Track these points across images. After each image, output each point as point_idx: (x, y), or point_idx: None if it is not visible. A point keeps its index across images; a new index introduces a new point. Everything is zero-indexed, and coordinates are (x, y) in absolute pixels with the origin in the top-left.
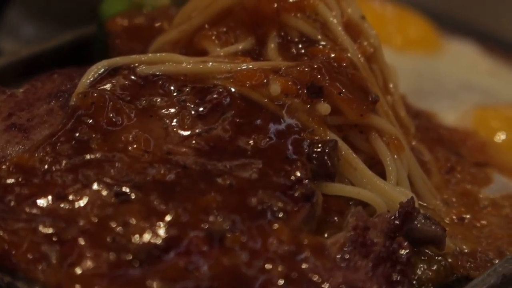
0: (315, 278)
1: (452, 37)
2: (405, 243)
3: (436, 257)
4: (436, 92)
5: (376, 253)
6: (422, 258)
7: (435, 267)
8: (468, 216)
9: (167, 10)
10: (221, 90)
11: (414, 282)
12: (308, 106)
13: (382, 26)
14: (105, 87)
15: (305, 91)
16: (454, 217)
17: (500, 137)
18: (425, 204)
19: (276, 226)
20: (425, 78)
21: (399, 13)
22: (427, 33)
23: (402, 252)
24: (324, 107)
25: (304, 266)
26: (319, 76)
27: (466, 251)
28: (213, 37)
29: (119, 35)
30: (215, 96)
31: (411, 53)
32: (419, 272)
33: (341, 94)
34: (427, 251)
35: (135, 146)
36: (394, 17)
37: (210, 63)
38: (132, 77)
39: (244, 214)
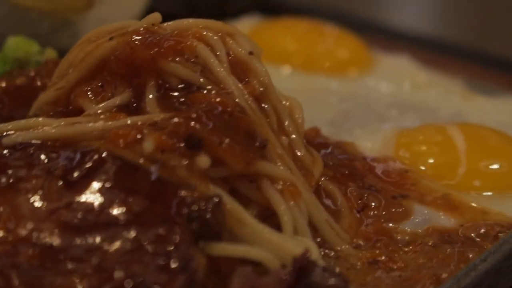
0: None
1: (386, 54)
2: None
3: None
4: (362, 117)
5: None
6: None
7: None
8: (383, 258)
9: (52, 65)
10: (91, 153)
11: None
12: (187, 161)
13: (313, 48)
14: None
15: (183, 145)
16: (366, 261)
17: (423, 162)
18: (333, 251)
19: None
20: (353, 101)
21: (330, 34)
22: (357, 53)
23: None
24: (203, 161)
25: None
26: (197, 127)
27: None
28: (89, 93)
29: (1, 98)
30: (85, 160)
31: (342, 75)
32: None
33: (222, 144)
34: None
35: None
36: (325, 38)
37: (81, 124)
38: None
39: None
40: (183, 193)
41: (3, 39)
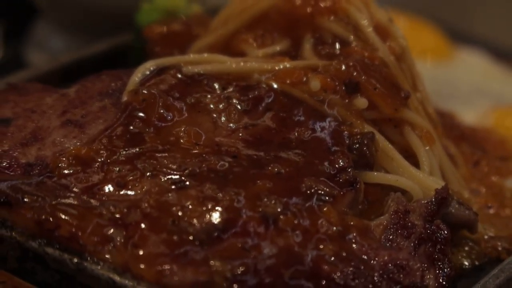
0: (364, 256)
1: (463, 46)
2: (443, 225)
3: (469, 241)
4: (453, 96)
5: (417, 234)
6: (458, 241)
7: (467, 250)
8: (495, 205)
9: (202, 17)
10: (264, 87)
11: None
12: (346, 101)
13: None
14: (154, 85)
15: (343, 88)
16: (481, 205)
17: None
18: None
19: (325, 208)
20: (441, 83)
21: (412, 24)
22: (439, 43)
23: (441, 233)
24: (361, 102)
25: (352, 245)
26: (355, 73)
27: (496, 235)
28: (251, 40)
29: (158, 41)
30: (258, 92)
31: (424, 61)
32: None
33: (376, 90)
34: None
35: (186, 139)
36: (408, 27)
37: (252, 63)
38: (179, 76)
39: (294, 198)
40: (343, 127)
41: None
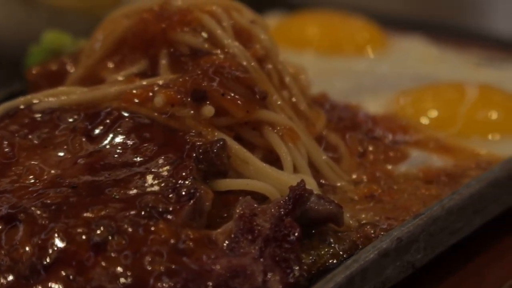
0: (199, 268)
1: (400, 34)
2: (293, 223)
3: (339, 233)
4: (375, 87)
5: (263, 237)
6: (324, 236)
7: (335, 243)
8: (379, 192)
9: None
10: (110, 111)
11: (311, 259)
12: (193, 111)
13: (331, 35)
14: (2, 127)
15: (189, 99)
16: (363, 195)
17: (423, 116)
18: (332, 188)
19: (157, 225)
20: (371, 76)
21: (346, 21)
22: (374, 36)
23: (290, 232)
24: (207, 110)
25: (186, 258)
26: (201, 82)
27: (369, 223)
28: (109, 66)
29: (38, 83)
30: (104, 118)
31: (360, 56)
32: (322, 250)
33: (224, 95)
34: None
35: (27, 176)
36: (342, 25)
37: (99, 89)
38: (30, 114)
39: (127, 220)
40: (192, 139)
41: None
